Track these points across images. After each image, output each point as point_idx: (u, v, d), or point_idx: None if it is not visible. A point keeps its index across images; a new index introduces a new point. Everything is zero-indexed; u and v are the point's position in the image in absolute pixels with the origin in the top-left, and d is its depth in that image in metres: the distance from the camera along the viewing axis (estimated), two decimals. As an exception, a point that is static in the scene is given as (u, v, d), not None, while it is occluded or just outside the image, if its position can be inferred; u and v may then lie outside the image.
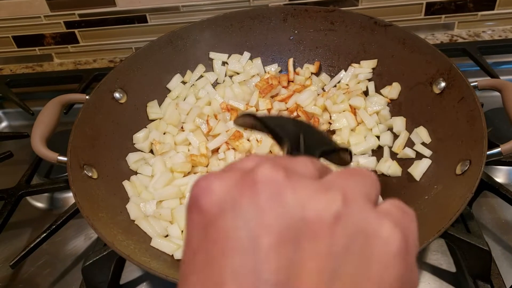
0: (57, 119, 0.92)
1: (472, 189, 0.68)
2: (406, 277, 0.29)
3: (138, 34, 1.30)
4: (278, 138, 0.45)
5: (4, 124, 1.28)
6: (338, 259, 0.27)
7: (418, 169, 0.86)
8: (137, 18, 1.28)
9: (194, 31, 1.07)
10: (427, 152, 0.88)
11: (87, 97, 0.94)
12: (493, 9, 1.25)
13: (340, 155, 0.47)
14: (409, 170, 0.88)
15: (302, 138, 0.43)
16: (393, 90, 0.98)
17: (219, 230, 0.28)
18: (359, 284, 0.27)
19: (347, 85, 1.03)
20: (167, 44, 1.05)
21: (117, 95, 0.97)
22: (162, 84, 1.05)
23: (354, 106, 0.98)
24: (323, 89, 1.07)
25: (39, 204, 1.05)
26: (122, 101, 0.98)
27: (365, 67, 1.03)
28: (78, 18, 1.28)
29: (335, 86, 1.05)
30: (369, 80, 1.03)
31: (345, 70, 1.05)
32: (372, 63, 1.02)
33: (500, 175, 0.98)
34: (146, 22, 1.28)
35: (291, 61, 1.06)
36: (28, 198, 1.05)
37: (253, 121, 0.49)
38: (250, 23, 1.08)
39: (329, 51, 1.06)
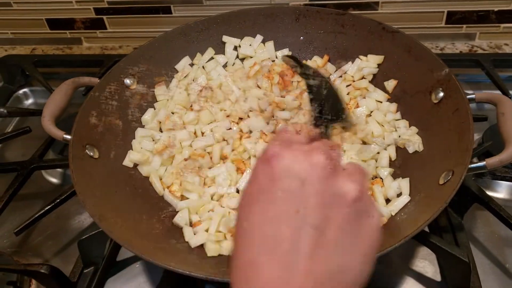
0: (68, 99, 0.97)
1: (447, 200, 0.68)
2: (362, 207, 0.46)
3: (162, 24, 1.35)
4: (310, 93, 0.68)
5: (30, 100, 1.35)
6: (326, 206, 0.44)
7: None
8: (162, 8, 1.32)
9: (208, 25, 1.10)
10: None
11: (99, 81, 0.99)
12: (516, 22, 1.23)
13: (347, 123, 0.68)
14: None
15: (326, 106, 0.65)
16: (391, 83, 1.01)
17: (283, 184, 0.44)
18: (338, 208, 0.44)
19: (352, 76, 1.04)
20: (181, 36, 1.08)
21: (127, 81, 1.01)
22: (172, 73, 1.08)
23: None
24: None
25: (53, 179, 1.11)
26: (132, 87, 1.02)
27: (371, 61, 1.03)
28: (106, 5, 1.33)
29: (340, 76, 1.06)
30: (374, 75, 1.04)
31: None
32: (379, 58, 1.03)
33: (502, 189, 0.97)
34: (171, 13, 1.33)
35: None
36: (43, 172, 1.10)
37: (295, 64, 0.76)
38: (263, 21, 1.10)
39: (337, 53, 1.07)
